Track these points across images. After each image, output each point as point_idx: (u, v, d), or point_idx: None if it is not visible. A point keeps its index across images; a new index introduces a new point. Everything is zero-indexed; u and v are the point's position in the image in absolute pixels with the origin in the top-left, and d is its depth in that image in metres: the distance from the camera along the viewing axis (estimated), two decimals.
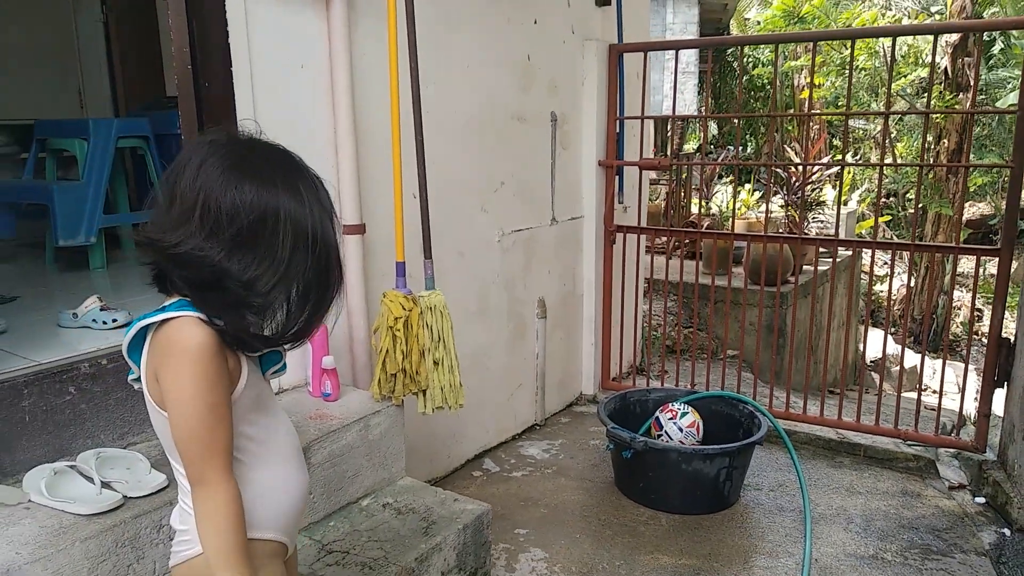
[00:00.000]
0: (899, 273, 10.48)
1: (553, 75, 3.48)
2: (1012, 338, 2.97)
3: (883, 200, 11.51)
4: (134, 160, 3.61)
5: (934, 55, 3.13)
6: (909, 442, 3.30)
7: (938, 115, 8.02)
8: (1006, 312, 3.14)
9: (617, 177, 3.88)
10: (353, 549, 1.93)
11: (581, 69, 3.68)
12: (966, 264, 12.21)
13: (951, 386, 6.47)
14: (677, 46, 3.68)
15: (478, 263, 3.14)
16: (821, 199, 6.13)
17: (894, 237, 10.75)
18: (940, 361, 5.40)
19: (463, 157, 3.00)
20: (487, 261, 3.20)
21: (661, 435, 2.95)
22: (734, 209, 3.49)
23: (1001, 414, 3.08)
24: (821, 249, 5.97)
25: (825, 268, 5.61)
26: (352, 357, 2.55)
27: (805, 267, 5.56)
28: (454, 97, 2.91)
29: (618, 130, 3.82)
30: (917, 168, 3.14)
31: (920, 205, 9.45)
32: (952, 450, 3.28)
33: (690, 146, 13.28)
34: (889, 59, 3.12)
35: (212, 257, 1.05)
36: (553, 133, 3.53)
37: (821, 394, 3.49)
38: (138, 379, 1.15)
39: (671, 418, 2.96)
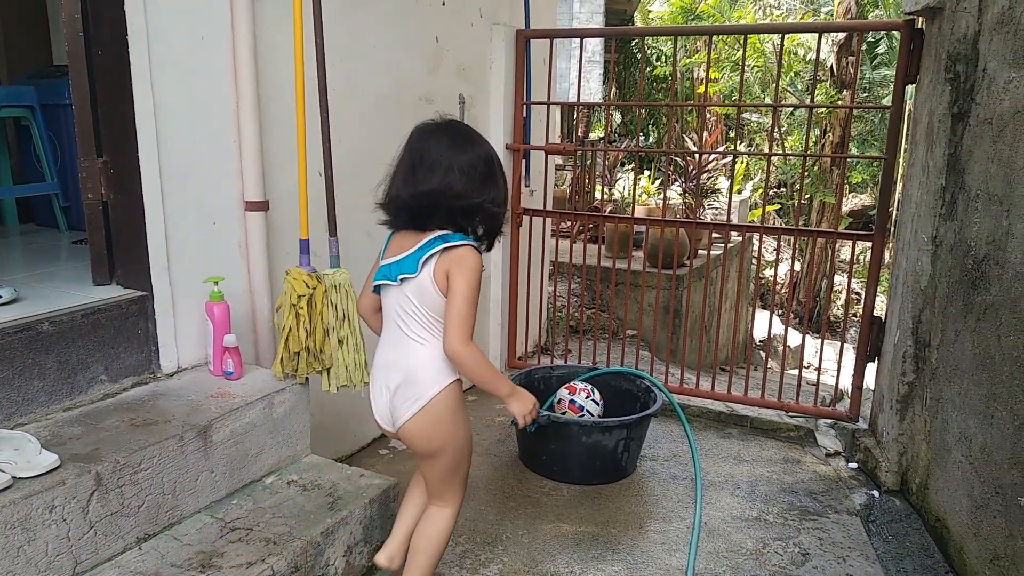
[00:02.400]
0: (786, 259, 11.09)
1: (461, 58, 3.50)
2: (883, 317, 3.23)
3: (774, 190, 12.14)
4: (18, 131, 3.40)
5: (818, 52, 3.35)
6: (791, 413, 3.55)
7: (822, 110, 8.52)
8: (878, 293, 3.41)
9: (524, 161, 3.95)
10: (257, 526, 1.93)
11: (489, 53, 3.72)
12: (848, 251, 13.02)
13: (831, 363, 6.94)
14: (583, 34, 3.77)
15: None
16: (716, 187, 6.43)
17: (783, 224, 11.37)
18: (820, 340, 5.80)
19: (371, 136, 2.99)
20: None
21: (565, 411, 3.06)
22: (634, 195, 3.61)
23: (872, 386, 3.36)
24: (715, 235, 6.27)
25: (718, 253, 5.90)
26: (255, 336, 2.51)
27: (700, 251, 5.83)
28: (362, 76, 2.90)
29: (525, 115, 3.89)
30: (802, 159, 3.37)
31: (807, 195, 10.05)
32: (829, 420, 3.55)
33: (595, 134, 13.56)
34: (778, 55, 3.31)
35: (471, 194, 1.75)
36: (461, 115, 3.55)
37: (713, 370, 3.70)
38: (404, 280, 1.80)
39: (585, 396, 3.07)
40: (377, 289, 1.94)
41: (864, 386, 3.43)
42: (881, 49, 12.05)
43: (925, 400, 2.81)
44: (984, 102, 2.47)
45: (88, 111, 2.13)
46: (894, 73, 3.06)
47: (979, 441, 2.33)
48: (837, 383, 3.80)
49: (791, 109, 11.19)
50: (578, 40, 3.68)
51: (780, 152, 9.59)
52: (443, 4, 3.32)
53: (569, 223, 6.13)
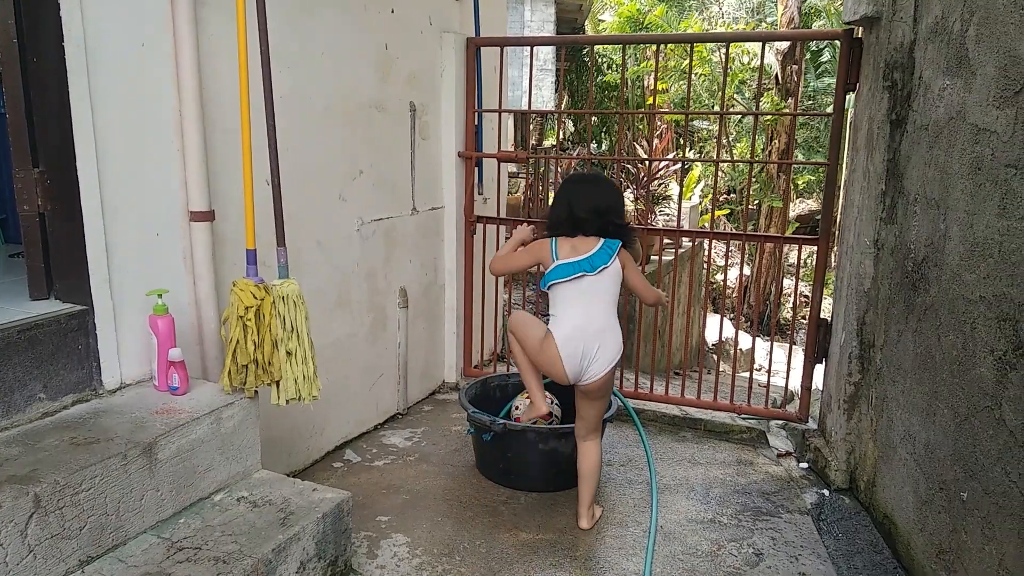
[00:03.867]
0: (736, 263, 11.30)
1: (412, 65, 3.49)
2: (829, 319, 3.31)
3: (723, 196, 12.38)
4: None
5: (762, 60, 3.43)
6: (743, 416, 3.61)
7: (768, 118, 8.72)
8: (825, 296, 3.49)
9: (476, 169, 3.95)
10: (206, 544, 1.87)
11: (440, 61, 3.71)
12: (796, 255, 13.33)
13: (781, 365, 7.08)
14: (533, 42, 3.79)
15: (338, 253, 3.11)
16: (668, 194, 6.52)
17: (733, 229, 11.59)
18: (770, 343, 5.90)
19: (320, 145, 2.95)
20: (347, 251, 3.17)
21: (535, 420, 3.06)
22: None
23: (821, 387, 3.43)
24: (667, 240, 6.35)
25: (670, 258, 5.97)
26: (202, 349, 2.45)
27: (652, 257, 5.90)
28: (311, 83, 2.86)
29: (477, 122, 3.89)
30: (749, 165, 3.44)
31: (755, 201, 10.28)
32: (780, 421, 3.62)
33: (549, 141, 13.64)
34: (724, 63, 3.38)
35: (623, 217, 2.71)
36: (412, 123, 3.54)
37: (667, 374, 3.74)
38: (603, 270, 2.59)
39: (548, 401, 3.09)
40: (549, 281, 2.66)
41: (813, 387, 3.51)
42: (825, 58, 12.43)
43: (871, 399, 2.89)
44: (921, 109, 2.56)
45: (23, 120, 2.06)
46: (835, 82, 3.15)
47: (923, 438, 2.39)
48: (787, 384, 3.88)
49: (738, 117, 11.44)
50: (529, 48, 3.70)
51: (728, 159, 9.78)
52: (392, 12, 3.30)
53: None
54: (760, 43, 3.56)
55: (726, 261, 3.89)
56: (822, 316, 3.36)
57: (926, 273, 2.43)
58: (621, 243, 2.65)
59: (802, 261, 14.06)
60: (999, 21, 2.04)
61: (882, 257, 2.83)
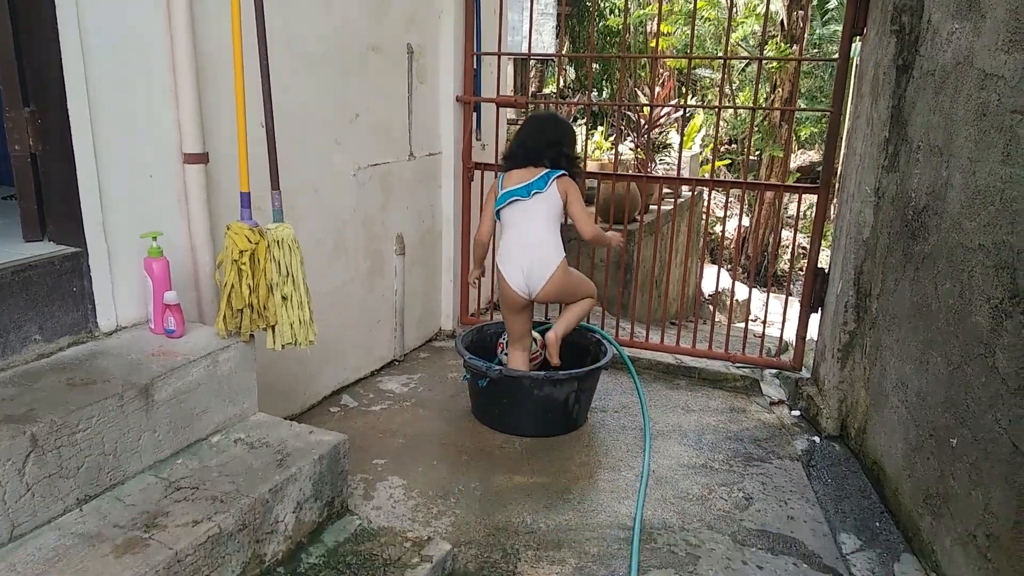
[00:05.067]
0: (735, 214, 11.24)
1: (409, 6, 3.40)
2: (826, 268, 3.30)
3: (724, 146, 12.25)
4: None
5: (768, 6, 3.34)
6: (737, 364, 3.63)
7: (773, 65, 8.56)
8: (823, 248, 3.48)
9: (475, 114, 3.89)
10: (203, 484, 1.90)
11: (438, 2, 3.61)
12: (795, 207, 13.25)
13: (777, 316, 7.11)
14: None
15: (334, 198, 3.08)
16: (668, 143, 6.44)
17: (732, 179, 11.51)
18: (766, 293, 5.92)
19: (315, 87, 2.89)
20: (343, 196, 3.14)
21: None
22: (586, 151, 3.59)
23: (816, 337, 3.45)
24: (666, 190, 6.30)
25: (669, 208, 5.94)
26: (198, 293, 2.45)
27: (651, 207, 5.87)
28: (305, 22, 2.79)
29: (475, 67, 3.81)
30: (750, 113, 3.38)
31: (756, 150, 10.16)
32: (774, 370, 3.64)
33: (549, 89, 13.41)
34: (729, 8, 3.30)
35: (573, 151, 3.06)
36: (410, 66, 3.47)
37: (662, 323, 3.75)
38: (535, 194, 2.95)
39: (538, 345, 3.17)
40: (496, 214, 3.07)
41: (808, 337, 3.52)
42: (832, 4, 12.13)
43: (865, 348, 2.90)
44: (928, 54, 2.51)
45: (12, 57, 2.01)
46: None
47: (915, 386, 2.41)
48: (782, 335, 3.89)
49: (743, 66, 11.23)
50: None
51: (729, 105, 9.64)
52: None
53: None
54: None
55: (725, 211, 3.87)
56: (819, 266, 3.35)
57: (926, 221, 2.41)
58: (565, 173, 2.97)
59: (802, 213, 13.98)
60: None
61: (882, 206, 2.81)
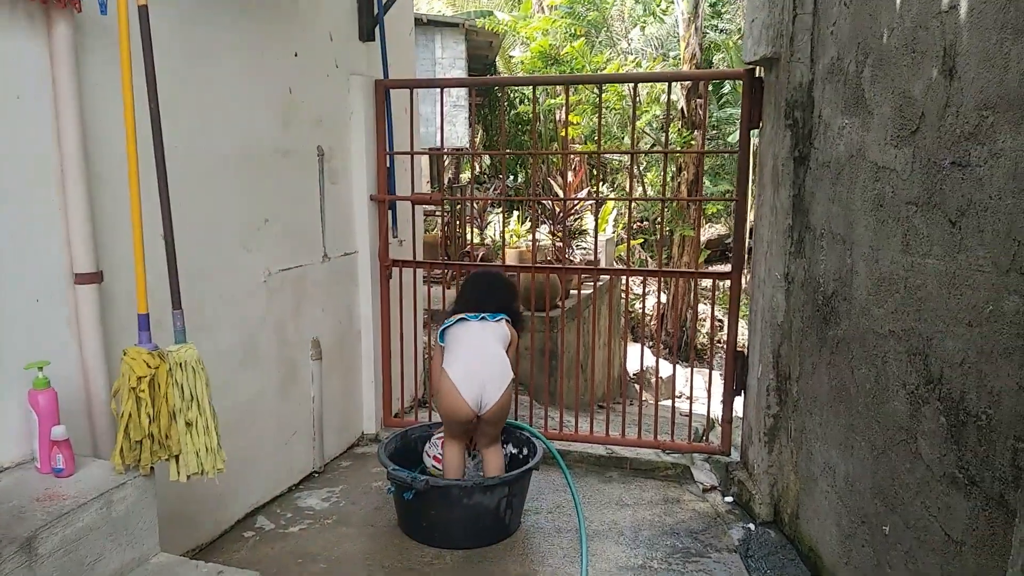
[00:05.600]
0: (653, 291, 11.52)
1: (318, 109, 3.38)
2: (746, 351, 3.35)
3: (638, 224, 12.67)
4: None
5: (669, 99, 3.49)
6: (668, 451, 3.60)
7: (676, 153, 8.97)
8: (740, 327, 3.56)
9: (390, 211, 3.85)
10: None
11: (347, 104, 3.61)
12: (709, 281, 13.66)
13: (701, 391, 7.20)
14: (441, 84, 3.75)
15: (243, 307, 2.94)
16: (583, 228, 6.58)
17: (648, 258, 11.83)
18: (690, 371, 6.00)
19: (222, 195, 2.80)
20: (253, 304, 3.00)
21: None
22: (503, 240, 3.61)
23: (741, 419, 3.46)
24: (585, 277, 6.39)
25: (589, 292, 6.01)
26: (91, 423, 2.24)
27: (572, 291, 5.92)
28: (209, 131, 2.71)
29: (389, 164, 3.80)
30: (661, 203, 3.47)
31: (668, 229, 10.53)
32: (704, 455, 3.62)
33: (467, 175, 13.66)
34: (632, 103, 3.42)
35: (518, 309, 3.24)
36: (320, 168, 3.42)
37: (590, 409, 3.71)
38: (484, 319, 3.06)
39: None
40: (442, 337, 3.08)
41: (733, 418, 3.54)
42: (726, 89, 12.94)
43: (790, 431, 2.92)
44: (822, 146, 2.63)
45: None
46: (739, 113, 3.23)
47: (842, 471, 2.42)
48: (708, 413, 3.91)
49: (651, 145, 11.75)
50: (439, 89, 3.65)
51: (641, 197, 9.99)
52: (295, 55, 3.19)
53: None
54: (667, 83, 3.62)
55: (644, 291, 3.91)
56: (739, 349, 3.40)
57: (836, 307, 2.48)
58: (510, 318, 3.11)
59: (717, 286, 14.47)
60: (892, 63, 2.11)
61: (793, 290, 2.89)
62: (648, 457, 3.57)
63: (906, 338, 2.00)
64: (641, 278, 11.82)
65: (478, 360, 2.93)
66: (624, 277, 6.10)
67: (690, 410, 3.80)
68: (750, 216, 3.62)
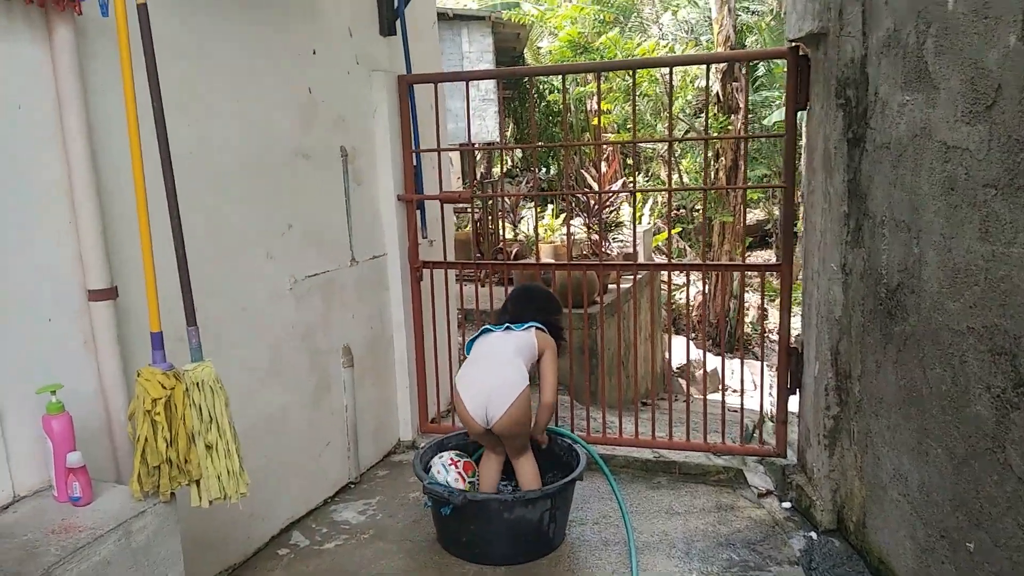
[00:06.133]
0: (694, 281, 11.23)
1: (340, 108, 3.25)
2: (799, 347, 3.14)
3: (675, 212, 12.38)
4: None
5: (708, 82, 3.30)
6: (719, 454, 3.41)
7: (716, 139, 8.68)
8: (792, 320, 3.34)
9: (419, 211, 3.72)
10: None
11: (370, 101, 3.48)
12: (761, 253, 13.36)
13: (749, 384, 6.96)
14: (467, 77, 3.59)
15: (267, 316, 2.83)
16: (619, 220, 6.39)
17: (687, 247, 11.55)
18: (738, 361, 5.76)
19: (240, 201, 2.69)
20: (278, 313, 2.89)
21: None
22: (537, 236, 3.46)
23: (797, 418, 3.26)
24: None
25: (628, 285, 5.81)
26: (113, 446, 2.15)
27: (610, 286, 5.73)
28: (224, 135, 2.60)
29: (415, 163, 3.67)
30: (703, 192, 3.28)
31: (707, 217, 10.23)
32: (757, 458, 3.42)
33: (499, 169, 13.50)
34: (668, 88, 3.23)
35: (559, 321, 3.12)
36: (345, 169, 3.29)
37: (635, 409, 3.53)
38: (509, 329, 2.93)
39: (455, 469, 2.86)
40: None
41: (788, 419, 3.33)
42: (760, 72, 12.57)
43: (853, 434, 2.71)
44: (879, 127, 2.42)
45: None
46: (775, 94, 3.02)
47: (916, 479, 2.22)
48: (761, 407, 3.70)
49: (686, 131, 11.45)
50: (465, 83, 3.51)
51: (681, 187, 9.70)
52: (314, 53, 3.07)
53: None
54: (704, 65, 3.42)
55: (688, 285, 3.72)
56: (792, 345, 3.19)
57: (902, 300, 2.27)
58: (547, 329, 2.96)
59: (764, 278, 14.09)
60: (960, 32, 1.90)
61: (851, 283, 2.67)
62: (698, 460, 3.38)
63: (989, 336, 1.80)
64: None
65: (485, 372, 2.81)
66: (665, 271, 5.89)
67: (741, 407, 3.59)
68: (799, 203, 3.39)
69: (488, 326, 2.98)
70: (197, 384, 1.91)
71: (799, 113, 3.04)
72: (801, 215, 3.16)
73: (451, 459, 2.90)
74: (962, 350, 1.93)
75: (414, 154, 3.63)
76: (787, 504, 3.09)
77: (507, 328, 2.92)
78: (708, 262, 3.33)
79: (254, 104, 2.75)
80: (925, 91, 2.09)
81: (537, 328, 2.92)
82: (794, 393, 3.21)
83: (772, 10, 14.78)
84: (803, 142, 3.08)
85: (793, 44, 2.94)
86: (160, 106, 1.91)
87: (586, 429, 3.95)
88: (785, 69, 3.05)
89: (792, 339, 3.24)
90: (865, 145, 2.53)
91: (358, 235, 3.39)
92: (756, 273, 3.81)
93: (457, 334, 4.27)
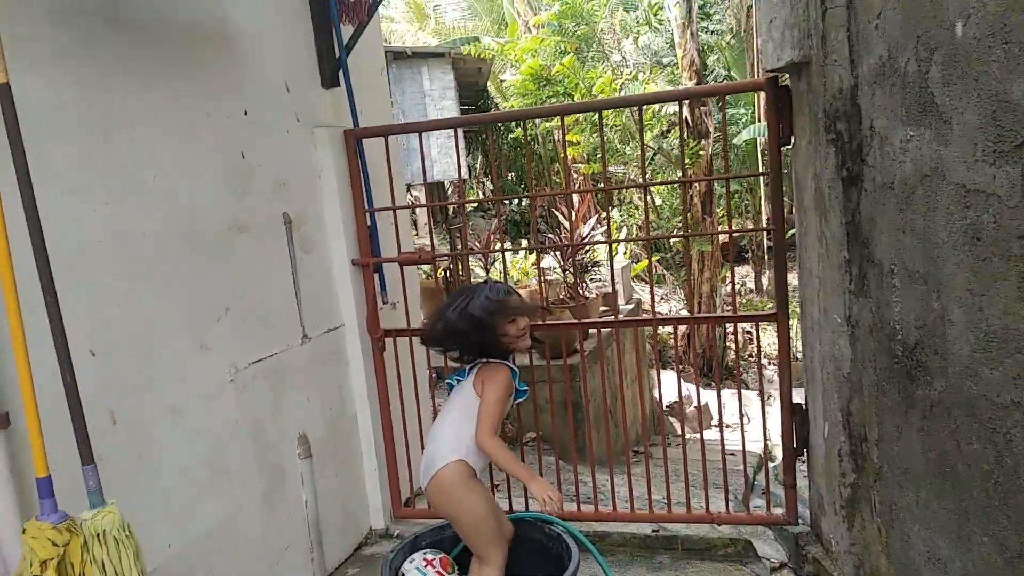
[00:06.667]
0: (677, 309, 10.99)
1: (279, 171, 2.94)
2: (803, 403, 2.85)
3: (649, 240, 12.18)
4: None
5: (680, 116, 3.04)
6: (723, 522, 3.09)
7: (687, 161, 8.48)
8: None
9: (376, 275, 3.40)
10: None
11: (315, 160, 3.18)
12: (738, 270, 13.17)
13: (743, 418, 6.66)
14: (419, 128, 3.31)
15: (204, 415, 2.49)
16: (596, 260, 6.14)
17: (666, 274, 11.32)
18: (731, 391, 5.45)
19: (164, 287, 2.36)
20: (218, 409, 2.55)
21: None
22: (505, 275, 3.15)
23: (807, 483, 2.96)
24: (603, 306, 5.89)
25: (609, 329, 5.51)
26: None
27: (591, 331, 5.43)
28: (141, 215, 2.28)
29: (370, 223, 3.36)
30: (679, 215, 3.01)
31: (682, 245, 10.02)
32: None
33: (472, 204, 13.20)
34: (639, 127, 2.98)
35: (479, 333, 2.43)
36: (289, 238, 2.98)
37: (626, 460, 3.19)
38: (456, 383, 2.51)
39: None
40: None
41: (796, 482, 3.03)
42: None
43: (874, 505, 2.41)
44: (879, 164, 2.15)
45: None
46: (740, 111, 2.76)
47: (957, 567, 1.91)
48: (765, 447, 3.40)
49: (653, 153, 11.27)
50: (418, 135, 3.23)
51: (660, 235, 9.47)
52: (245, 114, 2.76)
53: None
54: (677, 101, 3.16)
55: (676, 331, 3.42)
56: (796, 401, 2.90)
57: (924, 361, 1.98)
58: (491, 361, 2.44)
59: (739, 288, 13.95)
60: (974, 59, 1.64)
61: (859, 336, 2.39)
62: (702, 533, 3.06)
63: None
64: (663, 293, 11.31)
65: (429, 436, 2.50)
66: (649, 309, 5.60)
67: (743, 452, 3.25)
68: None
69: (452, 373, 2.59)
70: (98, 536, 1.57)
71: (783, 148, 2.79)
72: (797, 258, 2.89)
73: (424, 559, 2.55)
74: (1007, 426, 1.64)
75: (368, 214, 3.33)
76: None
77: (458, 379, 2.53)
78: (697, 315, 3.04)
79: (177, 176, 2.44)
80: (933, 126, 1.83)
81: (483, 365, 2.46)
82: (801, 454, 2.92)
83: (732, 29, 14.78)
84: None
85: (771, 74, 2.69)
86: (31, 191, 1.58)
87: (575, 496, 3.62)
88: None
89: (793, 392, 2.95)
90: (863, 184, 2.26)
91: (309, 308, 3.06)
92: (740, 277, 3.54)
93: (428, 399, 3.92)
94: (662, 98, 5.07)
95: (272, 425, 2.81)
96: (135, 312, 2.23)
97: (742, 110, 12.71)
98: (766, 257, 14.15)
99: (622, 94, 9.99)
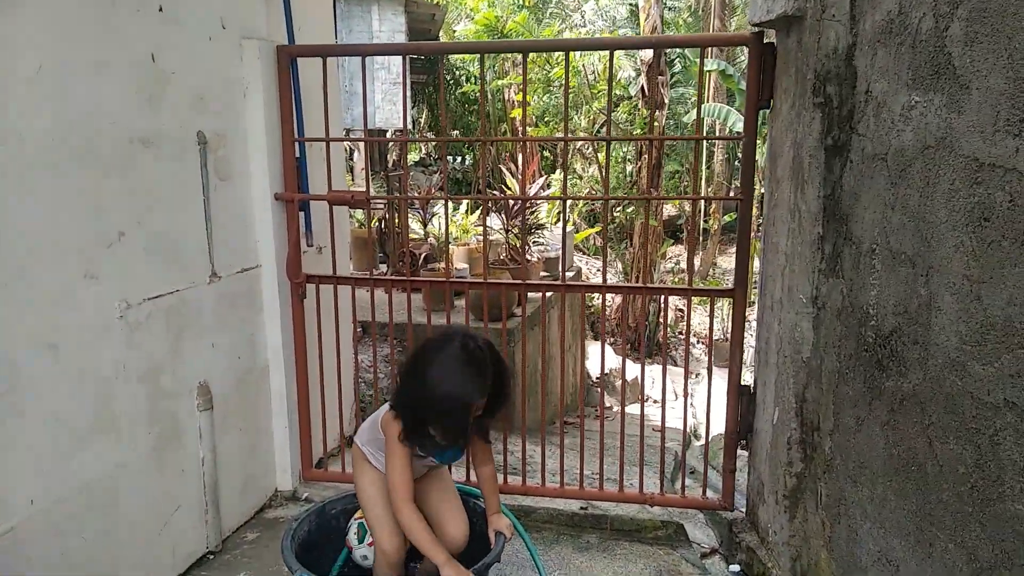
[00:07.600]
0: (613, 280, 10.88)
1: (196, 83, 2.56)
2: (752, 387, 2.70)
3: (592, 210, 12.01)
4: None
5: (611, 66, 2.79)
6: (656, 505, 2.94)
7: (636, 127, 8.30)
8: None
9: (302, 214, 3.06)
10: None
11: (240, 76, 2.80)
12: (672, 250, 13.21)
13: (671, 393, 6.61)
14: (363, 51, 2.96)
15: (87, 354, 2.14)
16: (540, 223, 5.89)
17: (608, 245, 11.22)
18: (658, 367, 5.34)
19: (48, 202, 1.99)
20: (103, 348, 2.20)
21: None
22: (447, 239, 2.88)
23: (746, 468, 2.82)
24: (545, 272, 5.67)
25: (552, 294, 5.30)
26: None
27: (531, 294, 5.21)
28: (26, 115, 1.91)
29: (299, 155, 3.01)
30: (632, 187, 2.80)
31: (628, 217, 9.90)
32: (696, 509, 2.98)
33: (413, 156, 12.79)
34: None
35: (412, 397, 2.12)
36: (203, 160, 2.61)
37: (559, 444, 3.01)
38: None
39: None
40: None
41: (735, 467, 2.89)
42: (676, 68, 12.31)
43: (820, 497, 2.27)
44: (872, 133, 1.96)
45: None
46: (690, 91, 2.55)
47: (912, 570, 1.78)
48: (684, 424, 3.27)
49: (602, 124, 11.06)
50: (382, 59, 2.88)
51: (621, 196, 9.26)
52: (160, 10, 2.37)
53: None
54: (613, 53, 2.93)
55: (603, 300, 3.22)
56: (744, 383, 2.75)
57: (899, 350, 1.82)
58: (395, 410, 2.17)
59: (675, 264, 14.01)
60: (1007, 12, 1.44)
61: (824, 319, 2.22)
62: (632, 514, 2.90)
63: None
64: (598, 265, 11.18)
65: None
66: (592, 275, 5.41)
67: (684, 432, 3.13)
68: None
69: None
70: None
71: (762, 112, 2.58)
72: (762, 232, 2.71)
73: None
74: (994, 428, 1.49)
75: (297, 144, 2.98)
76: (735, 567, 2.65)
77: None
78: (649, 285, 2.84)
79: (69, 71, 2.05)
80: (946, 90, 1.63)
81: (388, 410, 2.17)
82: (744, 439, 2.77)
83: (690, 7, 14.60)
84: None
85: (757, 29, 2.47)
86: None
87: (503, 467, 3.41)
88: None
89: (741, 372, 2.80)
90: (849, 155, 2.07)
91: (221, 243, 2.71)
92: (676, 255, 3.37)
93: (351, 355, 3.61)
94: (636, 43, 4.85)
95: (168, 371, 2.47)
96: (6, 227, 1.86)
97: (692, 89, 12.60)
98: (701, 239, 14.25)
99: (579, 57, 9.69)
